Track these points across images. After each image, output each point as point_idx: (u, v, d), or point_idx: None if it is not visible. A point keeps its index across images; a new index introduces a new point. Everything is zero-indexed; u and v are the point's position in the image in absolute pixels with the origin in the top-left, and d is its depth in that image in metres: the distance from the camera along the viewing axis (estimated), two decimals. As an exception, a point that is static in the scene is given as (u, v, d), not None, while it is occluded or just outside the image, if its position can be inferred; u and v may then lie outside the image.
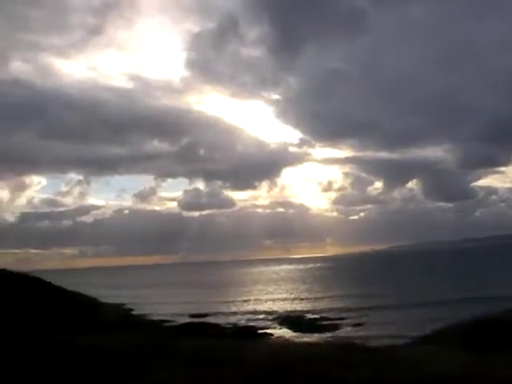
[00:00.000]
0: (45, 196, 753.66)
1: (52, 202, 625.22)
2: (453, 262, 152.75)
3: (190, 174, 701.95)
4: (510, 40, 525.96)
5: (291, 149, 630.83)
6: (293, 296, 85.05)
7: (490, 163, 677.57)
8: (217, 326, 49.60)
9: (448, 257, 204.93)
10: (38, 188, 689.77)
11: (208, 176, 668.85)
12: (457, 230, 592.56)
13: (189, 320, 55.07)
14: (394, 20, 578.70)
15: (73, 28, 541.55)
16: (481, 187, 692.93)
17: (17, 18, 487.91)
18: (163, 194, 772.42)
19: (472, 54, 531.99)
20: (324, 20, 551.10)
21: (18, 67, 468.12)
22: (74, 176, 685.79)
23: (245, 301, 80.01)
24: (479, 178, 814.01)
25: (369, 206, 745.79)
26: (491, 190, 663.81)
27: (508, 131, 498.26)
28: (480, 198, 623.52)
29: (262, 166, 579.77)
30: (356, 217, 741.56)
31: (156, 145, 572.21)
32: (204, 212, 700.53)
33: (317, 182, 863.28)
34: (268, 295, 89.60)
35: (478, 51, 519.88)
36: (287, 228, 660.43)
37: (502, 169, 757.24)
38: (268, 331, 48.13)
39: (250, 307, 71.38)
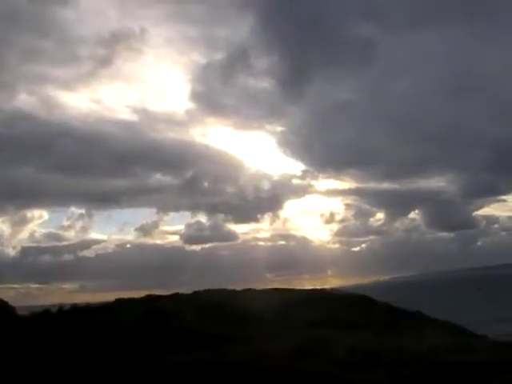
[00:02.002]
0: (47, 230, 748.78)
1: (54, 236, 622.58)
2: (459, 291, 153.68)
3: (193, 208, 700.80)
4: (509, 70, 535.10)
5: (294, 181, 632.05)
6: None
7: (492, 192, 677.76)
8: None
9: (452, 286, 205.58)
10: (39, 222, 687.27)
11: (210, 209, 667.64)
12: (458, 260, 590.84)
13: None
14: (402, 49, 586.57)
15: (79, 60, 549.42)
16: (482, 216, 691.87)
17: (24, 48, 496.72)
18: (165, 227, 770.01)
19: (477, 83, 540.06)
20: (333, 50, 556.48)
21: (23, 99, 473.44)
22: (76, 210, 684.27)
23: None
24: (481, 207, 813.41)
25: (371, 237, 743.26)
26: (493, 219, 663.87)
27: (510, 159, 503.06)
28: (482, 227, 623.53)
29: (265, 199, 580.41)
30: (358, 248, 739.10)
31: (159, 178, 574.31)
32: (206, 245, 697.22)
33: (319, 213, 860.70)
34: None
35: (482, 81, 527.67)
36: (289, 261, 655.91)
37: (504, 197, 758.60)
38: None
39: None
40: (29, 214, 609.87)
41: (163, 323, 30.22)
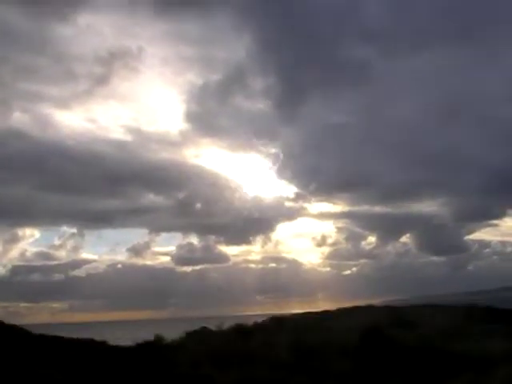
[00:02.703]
0: (37, 249, 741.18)
1: (44, 256, 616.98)
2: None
3: (185, 229, 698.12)
4: (507, 93, 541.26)
5: (287, 203, 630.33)
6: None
7: (484, 216, 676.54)
8: None
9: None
10: (30, 241, 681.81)
11: (202, 230, 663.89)
12: (449, 284, 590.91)
13: None
14: (399, 73, 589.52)
15: (75, 78, 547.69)
16: (474, 240, 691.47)
17: (19, 65, 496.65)
18: (157, 248, 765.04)
19: (471, 108, 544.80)
20: (329, 72, 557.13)
21: (16, 117, 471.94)
22: (67, 229, 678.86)
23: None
24: (473, 232, 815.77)
25: (362, 260, 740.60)
26: (485, 243, 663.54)
27: (503, 183, 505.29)
28: (473, 252, 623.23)
29: (257, 221, 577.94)
30: (348, 272, 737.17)
31: (152, 198, 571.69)
32: (197, 267, 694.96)
33: (311, 236, 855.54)
34: None
35: (477, 106, 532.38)
36: (279, 283, 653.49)
37: (496, 221, 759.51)
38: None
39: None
40: (20, 232, 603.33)
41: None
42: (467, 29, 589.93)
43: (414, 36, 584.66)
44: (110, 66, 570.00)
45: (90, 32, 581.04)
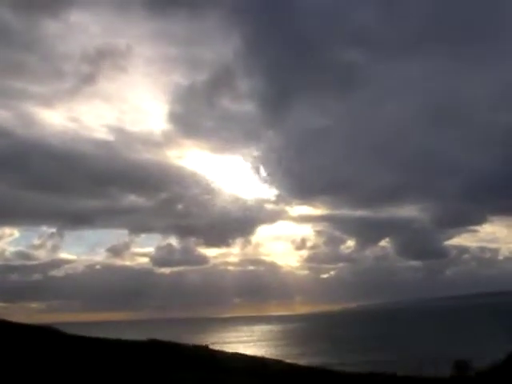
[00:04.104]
0: (17, 248, 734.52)
1: (24, 255, 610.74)
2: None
3: (165, 230, 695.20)
4: (491, 99, 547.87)
5: (268, 206, 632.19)
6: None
7: (464, 222, 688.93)
8: None
9: (416, 316, 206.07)
10: (10, 240, 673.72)
11: (182, 232, 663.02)
12: (427, 289, 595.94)
13: None
14: (386, 77, 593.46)
15: (60, 76, 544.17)
16: (453, 246, 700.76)
17: (7, 63, 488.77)
18: (137, 249, 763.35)
19: (455, 114, 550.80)
20: (317, 75, 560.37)
21: (0, 115, 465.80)
22: (47, 229, 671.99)
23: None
24: (452, 237, 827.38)
25: (340, 264, 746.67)
26: (463, 249, 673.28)
27: (484, 190, 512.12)
28: (452, 257, 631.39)
29: (238, 223, 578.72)
30: (326, 275, 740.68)
31: (133, 199, 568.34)
32: (176, 268, 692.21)
33: (290, 239, 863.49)
34: None
35: (461, 112, 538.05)
36: (257, 286, 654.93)
37: (476, 227, 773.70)
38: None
39: None
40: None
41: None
42: (456, 33, 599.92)
43: (402, 40, 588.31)
44: (97, 64, 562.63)
45: (79, 30, 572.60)
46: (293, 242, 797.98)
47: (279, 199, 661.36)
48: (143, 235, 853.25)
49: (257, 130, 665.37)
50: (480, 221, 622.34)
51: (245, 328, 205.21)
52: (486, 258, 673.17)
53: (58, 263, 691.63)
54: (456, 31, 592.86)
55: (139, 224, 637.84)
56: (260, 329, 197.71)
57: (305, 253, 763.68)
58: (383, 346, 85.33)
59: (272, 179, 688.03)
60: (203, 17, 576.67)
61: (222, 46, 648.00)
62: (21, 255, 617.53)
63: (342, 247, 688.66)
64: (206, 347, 32.60)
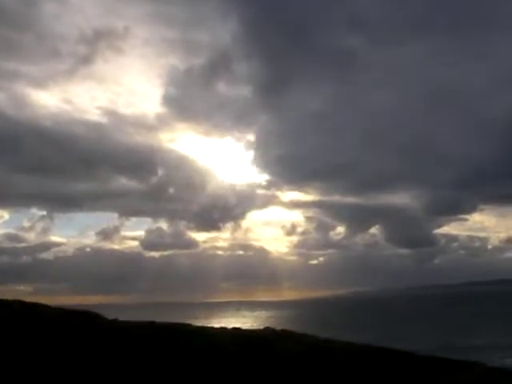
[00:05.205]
0: (6, 231, 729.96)
1: (13, 237, 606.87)
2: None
3: (155, 214, 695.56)
4: (487, 88, 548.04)
5: (259, 191, 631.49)
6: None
7: (455, 210, 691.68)
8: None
9: (402, 303, 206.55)
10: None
11: (173, 216, 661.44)
12: (415, 277, 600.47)
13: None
14: (384, 62, 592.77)
15: (56, 57, 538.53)
16: (443, 234, 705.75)
17: (2, 42, 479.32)
18: (126, 232, 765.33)
19: (451, 101, 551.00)
20: (314, 60, 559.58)
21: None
22: (37, 211, 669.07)
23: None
24: (442, 225, 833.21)
25: (330, 250, 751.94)
26: (452, 238, 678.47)
27: (476, 179, 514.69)
28: (441, 245, 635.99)
29: (228, 208, 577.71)
30: (315, 261, 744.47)
31: (124, 182, 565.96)
32: (165, 252, 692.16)
33: (280, 225, 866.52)
34: None
35: (458, 99, 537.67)
36: (245, 271, 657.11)
37: (466, 216, 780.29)
38: None
39: None
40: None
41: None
42: (456, 18, 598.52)
43: (402, 25, 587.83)
44: (93, 45, 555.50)
45: (77, 10, 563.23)
46: (283, 227, 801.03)
47: (270, 184, 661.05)
48: (133, 219, 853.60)
49: (251, 115, 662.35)
50: (470, 210, 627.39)
51: (235, 313, 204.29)
52: (474, 247, 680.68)
53: (47, 246, 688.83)
54: (456, 16, 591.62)
55: (130, 207, 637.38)
56: (252, 315, 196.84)
57: (294, 239, 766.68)
58: (372, 330, 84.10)
59: (264, 164, 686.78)
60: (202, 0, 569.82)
61: (219, 29, 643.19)
62: (10, 237, 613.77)
63: (332, 234, 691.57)
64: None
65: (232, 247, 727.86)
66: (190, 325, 25.14)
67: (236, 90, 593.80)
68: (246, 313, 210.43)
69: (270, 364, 17.18)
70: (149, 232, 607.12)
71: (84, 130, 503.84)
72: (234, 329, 25.90)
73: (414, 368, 19.19)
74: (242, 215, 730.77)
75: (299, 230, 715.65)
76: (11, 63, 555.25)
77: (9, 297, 26.22)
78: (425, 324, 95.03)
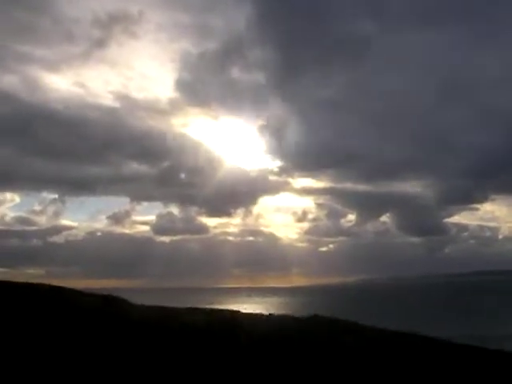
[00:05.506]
0: (17, 214, 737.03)
1: (24, 221, 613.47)
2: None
3: (166, 198, 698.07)
4: (500, 78, 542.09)
5: (271, 177, 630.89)
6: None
7: (467, 200, 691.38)
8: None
9: (414, 292, 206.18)
10: (11, 205, 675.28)
11: (184, 201, 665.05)
12: (425, 266, 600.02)
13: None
14: (397, 49, 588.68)
15: (70, 41, 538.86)
16: (453, 223, 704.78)
17: (17, 25, 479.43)
18: (137, 217, 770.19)
19: (464, 90, 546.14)
20: (328, 47, 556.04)
21: (5, 78, 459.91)
22: (48, 195, 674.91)
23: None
24: (453, 215, 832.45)
25: (340, 238, 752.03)
26: (463, 227, 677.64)
27: (488, 168, 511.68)
28: (451, 234, 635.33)
29: (240, 193, 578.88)
30: (325, 248, 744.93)
31: (135, 166, 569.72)
32: (176, 237, 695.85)
33: (291, 211, 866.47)
34: None
35: (471, 88, 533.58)
36: (255, 257, 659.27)
37: (477, 206, 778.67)
38: None
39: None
40: (0, 196, 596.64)
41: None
42: (470, 6, 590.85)
43: (417, 13, 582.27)
44: (107, 29, 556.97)
45: None
46: (294, 214, 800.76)
47: (282, 170, 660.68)
48: (145, 203, 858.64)
49: (264, 101, 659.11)
50: (481, 200, 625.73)
51: (246, 299, 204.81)
52: (485, 236, 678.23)
53: (58, 229, 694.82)
54: (471, 5, 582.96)
55: (141, 192, 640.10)
56: (262, 301, 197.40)
57: (305, 225, 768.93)
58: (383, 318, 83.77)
59: (276, 150, 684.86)
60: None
61: (233, 14, 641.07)
62: (21, 220, 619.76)
63: (343, 221, 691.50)
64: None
65: (242, 233, 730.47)
66: (237, 311, 24.75)
67: (249, 75, 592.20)
68: (257, 299, 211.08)
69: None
70: (160, 217, 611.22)
71: (96, 114, 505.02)
72: (281, 316, 25.40)
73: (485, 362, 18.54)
74: (253, 201, 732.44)
75: (310, 216, 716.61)
76: (25, 46, 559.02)
77: (20, 280, 26.04)
78: (448, 312, 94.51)
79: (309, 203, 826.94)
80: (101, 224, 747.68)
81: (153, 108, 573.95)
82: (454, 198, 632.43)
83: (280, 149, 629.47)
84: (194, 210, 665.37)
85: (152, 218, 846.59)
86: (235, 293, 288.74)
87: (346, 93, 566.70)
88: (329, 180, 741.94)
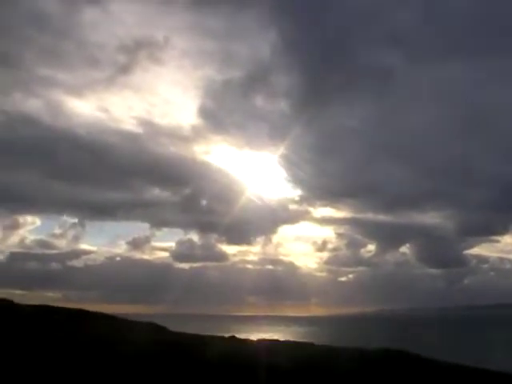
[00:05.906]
0: (37, 237, 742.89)
1: (44, 244, 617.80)
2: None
3: (186, 225, 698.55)
4: None
5: (291, 206, 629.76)
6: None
7: (487, 231, 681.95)
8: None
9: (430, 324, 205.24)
10: (31, 228, 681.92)
11: (204, 228, 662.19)
12: (445, 297, 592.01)
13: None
14: (422, 81, 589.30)
15: (93, 66, 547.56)
16: (473, 255, 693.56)
17: (42, 49, 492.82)
18: (157, 243, 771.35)
19: (488, 121, 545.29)
20: (352, 76, 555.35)
21: (28, 102, 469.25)
22: (68, 218, 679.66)
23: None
24: (473, 246, 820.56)
25: (360, 268, 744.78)
26: (483, 259, 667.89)
27: (508, 200, 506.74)
28: (471, 266, 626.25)
29: (260, 222, 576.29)
30: (344, 278, 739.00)
31: (157, 193, 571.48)
32: (195, 264, 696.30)
33: (311, 241, 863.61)
34: None
35: (491, 121, 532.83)
36: (274, 286, 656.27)
37: (497, 237, 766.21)
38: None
39: None
40: (21, 219, 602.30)
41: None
42: (497, 40, 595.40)
43: (440, 45, 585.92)
44: (131, 55, 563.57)
45: (117, 19, 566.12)
46: (313, 243, 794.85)
47: (303, 199, 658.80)
48: (165, 229, 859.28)
49: (287, 129, 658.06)
50: (502, 231, 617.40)
51: (265, 328, 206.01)
52: (505, 268, 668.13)
53: (77, 253, 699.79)
54: (497, 38, 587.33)
55: (161, 218, 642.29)
56: (282, 329, 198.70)
57: (325, 255, 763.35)
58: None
59: (297, 179, 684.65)
60: (242, 12, 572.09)
61: (258, 41, 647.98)
62: (41, 244, 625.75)
63: (363, 251, 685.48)
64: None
65: (261, 261, 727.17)
66: (291, 342, 27.20)
67: (273, 103, 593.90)
68: (279, 327, 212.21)
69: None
70: (179, 243, 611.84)
71: (119, 140, 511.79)
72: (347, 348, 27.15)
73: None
74: (273, 230, 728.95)
75: (330, 246, 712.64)
76: (49, 70, 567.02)
77: (37, 303, 27.48)
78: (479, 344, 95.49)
79: (329, 233, 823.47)
80: (120, 249, 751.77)
81: (175, 134, 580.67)
82: (474, 230, 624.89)
83: (301, 178, 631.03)
84: (213, 237, 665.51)
85: (172, 244, 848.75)
86: (253, 320, 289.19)
87: (369, 123, 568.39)
88: (349, 210, 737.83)
